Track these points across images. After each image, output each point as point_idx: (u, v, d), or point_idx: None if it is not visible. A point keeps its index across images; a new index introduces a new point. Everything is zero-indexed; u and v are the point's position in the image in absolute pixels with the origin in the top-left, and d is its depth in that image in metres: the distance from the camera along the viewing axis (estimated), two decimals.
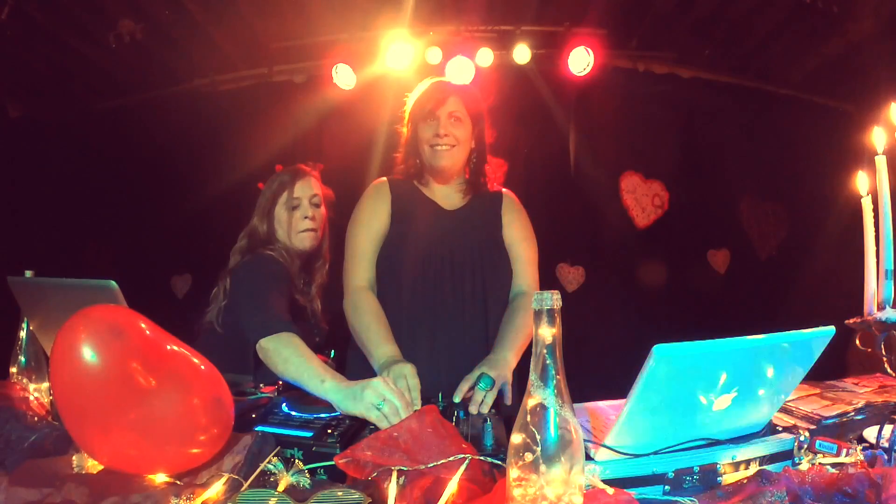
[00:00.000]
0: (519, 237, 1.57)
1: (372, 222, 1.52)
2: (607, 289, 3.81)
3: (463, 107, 1.53)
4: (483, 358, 1.34)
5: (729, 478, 0.84)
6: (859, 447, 0.85)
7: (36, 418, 1.00)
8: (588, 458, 0.84)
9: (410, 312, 1.46)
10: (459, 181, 1.60)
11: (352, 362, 1.56)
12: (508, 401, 1.32)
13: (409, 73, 3.32)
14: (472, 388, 1.22)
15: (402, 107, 1.63)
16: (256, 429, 0.94)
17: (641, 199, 3.93)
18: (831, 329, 0.85)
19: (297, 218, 1.65)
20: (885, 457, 0.84)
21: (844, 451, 0.84)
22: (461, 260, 1.49)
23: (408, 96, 1.61)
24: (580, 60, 3.33)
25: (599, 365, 2.63)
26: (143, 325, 0.80)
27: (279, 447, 0.90)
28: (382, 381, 1.07)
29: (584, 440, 0.71)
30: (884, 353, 0.95)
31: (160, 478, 0.79)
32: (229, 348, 1.52)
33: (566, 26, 3.35)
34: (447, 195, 1.58)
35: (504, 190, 1.64)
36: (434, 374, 1.39)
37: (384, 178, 1.60)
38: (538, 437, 0.62)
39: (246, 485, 0.78)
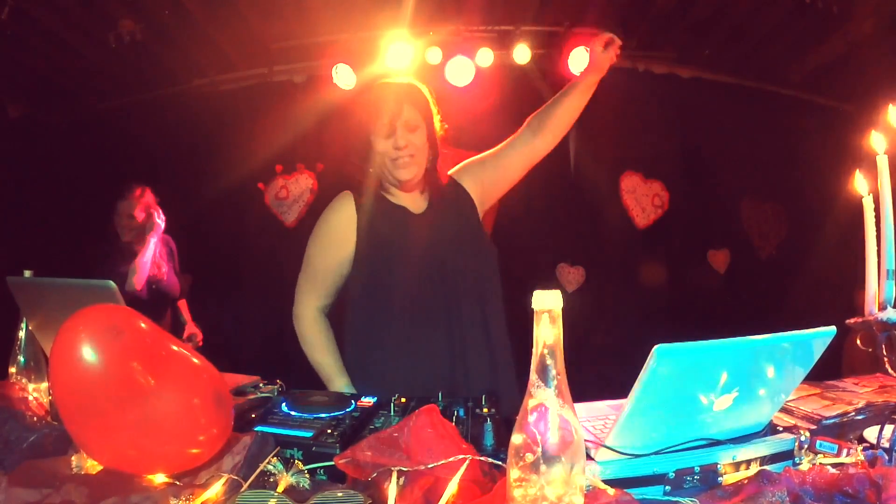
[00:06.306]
0: (492, 154, 1.62)
1: (333, 249, 1.48)
2: (607, 289, 3.81)
3: (417, 112, 1.48)
4: (487, 355, 1.36)
5: (729, 478, 0.84)
6: (859, 447, 0.85)
7: (35, 418, 0.99)
8: (588, 458, 0.84)
9: (408, 320, 1.43)
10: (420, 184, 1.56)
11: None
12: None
13: (409, 73, 3.32)
14: None
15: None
16: (256, 429, 0.93)
17: (641, 199, 3.93)
18: (832, 329, 0.84)
19: None
20: (886, 457, 0.84)
21: (845, 451, 0.84)
22: (446, 260, 1.46)
23: (355, 102, 1.58)
24: (580, 60, 3.33)
25: (599, 365, 2.63)
26: (142, 325, 0.80)
27: (279, 447, 0.89)
28: None
29: (585, 440, 0.71)
30: (884, 353, 0.95)
31: (160, 478, 0.79)
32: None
33: (566, 26, 3.35)
34: (414, 199, 1.54)
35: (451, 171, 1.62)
36: (440, 373, 1.39)
37: (348, 193, 1.52)
38: (539, 437, 0.62)
39: (245, 485, 0.77)
